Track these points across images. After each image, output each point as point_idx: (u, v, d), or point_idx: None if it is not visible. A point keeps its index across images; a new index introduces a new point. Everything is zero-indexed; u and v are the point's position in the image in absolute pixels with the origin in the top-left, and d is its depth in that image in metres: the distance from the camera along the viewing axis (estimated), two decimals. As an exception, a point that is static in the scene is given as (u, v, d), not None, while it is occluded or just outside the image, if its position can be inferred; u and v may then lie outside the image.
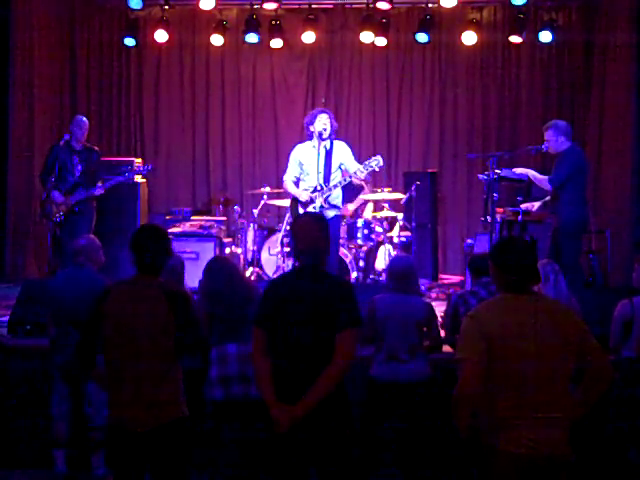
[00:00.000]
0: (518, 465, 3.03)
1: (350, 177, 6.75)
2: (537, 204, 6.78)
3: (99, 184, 7.27)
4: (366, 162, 6.71)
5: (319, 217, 3.81)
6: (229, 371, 4.65)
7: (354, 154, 6.93)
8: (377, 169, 6.75)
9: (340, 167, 6.77)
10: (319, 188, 6.67)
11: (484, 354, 3.05)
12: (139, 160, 9.04)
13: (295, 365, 3.46)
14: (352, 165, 6.74)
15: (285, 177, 6.96)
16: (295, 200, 6.85)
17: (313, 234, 3.60)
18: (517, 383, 3.05)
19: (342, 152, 6.79)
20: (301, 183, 6.85)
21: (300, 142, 7.03)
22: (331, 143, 6.73)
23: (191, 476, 3.82)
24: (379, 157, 6.73)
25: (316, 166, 6.60)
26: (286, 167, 6.99)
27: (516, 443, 3.03)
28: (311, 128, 6.71)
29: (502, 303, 3.18)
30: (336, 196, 6.77)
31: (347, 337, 3.46)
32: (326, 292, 3.51)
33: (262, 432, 3.62)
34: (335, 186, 6.68)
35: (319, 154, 6.68)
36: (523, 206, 6.85)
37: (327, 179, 6.69)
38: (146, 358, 3.51)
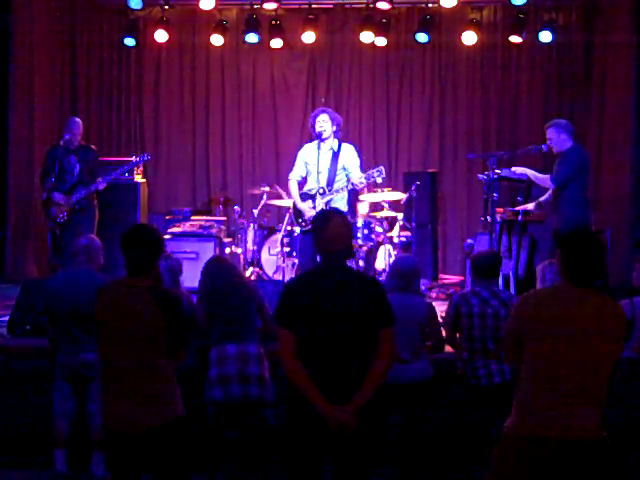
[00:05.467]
0: (550, 449, 3.10)
1: (353, 185, 6.65)
2: (531, 205, 6.73)
3: (99, 179, 7.27)
4: (368, 172, 6.71)
5: (344, 215, 3.66)
6: (228, 371, 4.66)
7: (360, 157, 6.89)
8: (379, 180, 6.77)
9: (344, 169, 6.71)
10: (321, 191, 6.63)
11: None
12: (139, 160, 9.03)
13: (333, 362, 3.38)
14: (355, 171, 6.67)
15: (290, 175, 6.93)
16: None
17: (339, 232, 3.47)
18: (554, 371, 3.13)
19: (348, 156, 6.71)
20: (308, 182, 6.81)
21: (307, 142, 7.01)
22: (339, 144, 6.71)
23: (191, 476, 3.80)
24: (382, 168, 6.74)
25: (316, 167, 6.57)
26: (292, 165, 6.97)
27: (549, 427, 3.10)
28: (313, 129, 6.73)
29: (557, 293, 3.27)
30: (339, 198, 6.70)
31: (389, 335, 3.48)
32: (361, 288, 3.47)
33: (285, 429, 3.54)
34: (337, 191, 6.63)
35: (319, 155, 6.67)
36: (518, 209, 6.80)
37: (331, 181, 6.65)
38: (138, 359, 3.49)
